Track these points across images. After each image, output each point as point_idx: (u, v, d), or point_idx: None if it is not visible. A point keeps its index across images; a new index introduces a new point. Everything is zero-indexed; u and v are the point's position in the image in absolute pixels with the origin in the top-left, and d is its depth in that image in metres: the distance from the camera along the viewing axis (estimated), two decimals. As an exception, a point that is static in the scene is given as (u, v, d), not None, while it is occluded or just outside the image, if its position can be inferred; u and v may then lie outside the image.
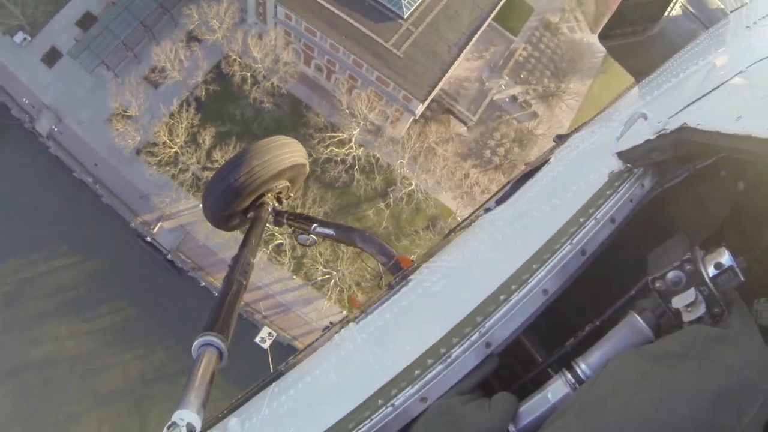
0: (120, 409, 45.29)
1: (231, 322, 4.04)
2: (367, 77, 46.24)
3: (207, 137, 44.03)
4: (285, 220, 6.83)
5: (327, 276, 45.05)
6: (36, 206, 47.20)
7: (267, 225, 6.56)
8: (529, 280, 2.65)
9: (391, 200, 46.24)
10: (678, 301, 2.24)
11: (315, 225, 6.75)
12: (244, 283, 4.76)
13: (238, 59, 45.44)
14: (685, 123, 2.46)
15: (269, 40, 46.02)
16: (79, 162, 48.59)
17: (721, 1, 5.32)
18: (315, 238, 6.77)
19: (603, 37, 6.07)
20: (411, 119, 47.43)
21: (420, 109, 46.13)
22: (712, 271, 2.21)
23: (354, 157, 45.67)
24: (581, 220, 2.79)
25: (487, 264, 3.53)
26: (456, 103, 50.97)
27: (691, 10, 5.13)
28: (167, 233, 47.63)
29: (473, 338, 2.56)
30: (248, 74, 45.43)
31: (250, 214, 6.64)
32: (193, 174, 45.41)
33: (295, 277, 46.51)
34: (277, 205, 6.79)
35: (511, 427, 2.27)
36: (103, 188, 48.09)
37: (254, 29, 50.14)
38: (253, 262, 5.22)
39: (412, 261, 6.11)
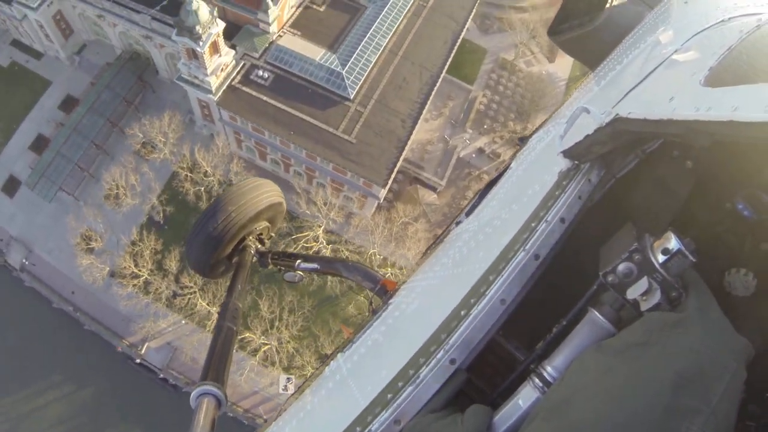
0: None
1: (225, 368, 4.08)
2: (324, 168, 45.21)
3: (173, 262, 43.38)
4: (269, 260, 6.76)
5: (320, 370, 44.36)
6: (21, 340, 47.09)
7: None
8: (487, 292, 2.66)
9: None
10: (632, 292, 2.25)
11: (299, 261, 6.58)
12: (235, 328, 4.75)
13: (189, 175, 44.53)
14: (617, 114, 2.48)
15: (217, 150, 45.05)
16: (55, 292, 48.35)
17: None
18: (302, 274, 6.65)
19: (552, 33, 6.12)
20: (376, 203, 46.31)
21: (383, 193, 45.01)
22: (660, 257, 2.22)
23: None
24: (533, 224, 2.79)
25: (453, 279, 3.49)
26: (422, 170, 49.69)
27: None
28: (155, 352, 47.18)
29: (438, 356, 2.57)
30: (202, 189, 44.52)
31: (235, 259, 6.61)
32: (167, 299, 44.87)
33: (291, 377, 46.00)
34: (259, 246, 6.79)
35: None
36: (83, 316, 47.78)
37: (204, 130, 49.47)
38: (241, 307, 5.25)
39: (396, 283, 5.95)
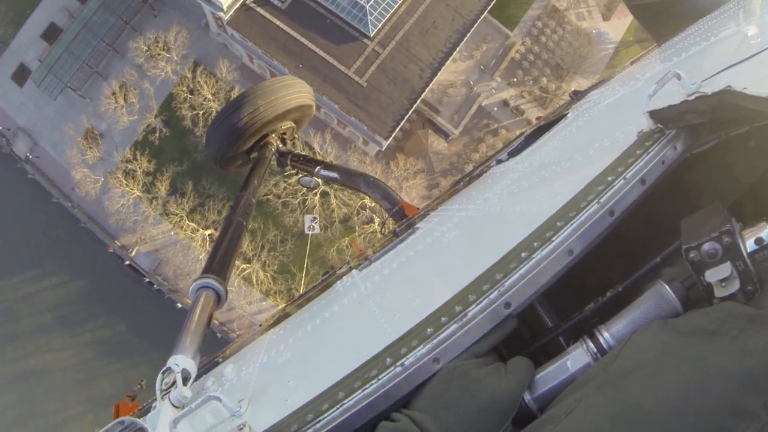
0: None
1: (230, 264, 4.01)
2: (330, 105, 42.53)
3: (163, 186, 42.55)
4: (289, 162, 6.72)
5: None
6: (20, 230, 48.71)
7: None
8: (554, 239, 2.53)
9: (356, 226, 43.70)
10: (711, 275, 2.15)
11: (319, 167, 6.61)
12: (245, 224, 4.72)
13: (189, 97, 42.42)
14: (729, 86, 2.36)
15: (221, 74, 42.63)
16: (56, 186, 48.69)
17: None
18: (319, 180, 6.68)
19: None
20: (377, 148, 43.79)
21: (385, 144, 42.35)
22: (751, 245, 2.13)
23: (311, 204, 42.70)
24: (609, 178, 2.69)
25: (503, 216, 3.43)
26: (437, 114, 45.93)
27: None
28: (144, 257, 47.75)
29: (492, 297, 2.44)
30: (200, 114, 42.48)
31: (254, 155, 6.56)
32: (154, 218, 44.49)
33: (266, 300, 45.96)
34: (281, 145, 6.72)
35: (527, 395, 2.21)
36: (81, 213, 48.21)
37: (219, 38, 46.74)
38: (254, 201, 5.18)
39: (418, 209, 5.98)
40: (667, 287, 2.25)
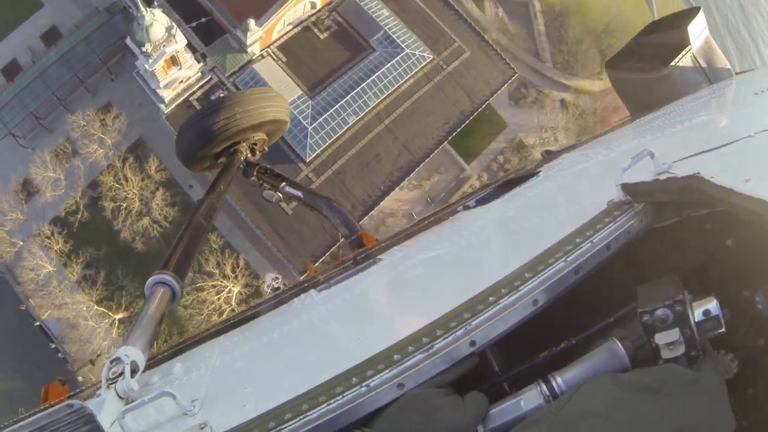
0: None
1: (188, 263, 4.08)
2: (252, 225, 40.89)
3: (75, 270, 41.45)
4: (255, 173, 6.83)
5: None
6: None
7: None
8: (521, 288, 2.68)
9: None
10: (661, 338, 2.32)
11: (284, 184, 6.74)
12: (207, 227, 4.77)
13: (115, 185, 40.93)
14: (698, 172, 2.55)
15: (150, 170, 41.13)
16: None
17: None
18: (281, 196, 6.79)
19: (610, 66, 6.37)
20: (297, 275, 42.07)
21: (301, 279, 40.66)
22: (699, 316, 2.30)
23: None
24: (578, 240, 2.85)
25: (470, 261, 3.56)
26: (370, 245, 44.27)
27: (700, 62, 5.28)
28: (55, 322, 46.30)
29: (458, 333, 2.57)
30: (122, 206, 40.98)
31: (222, 160, 6.61)
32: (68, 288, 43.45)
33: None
34: (250, 156, 6.77)
35: (480, 428, 2.29)
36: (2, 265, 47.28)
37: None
38: (218, 207, 5.27)
39: (377, 240, 6.00)
40: (619, 344, 2.39)
